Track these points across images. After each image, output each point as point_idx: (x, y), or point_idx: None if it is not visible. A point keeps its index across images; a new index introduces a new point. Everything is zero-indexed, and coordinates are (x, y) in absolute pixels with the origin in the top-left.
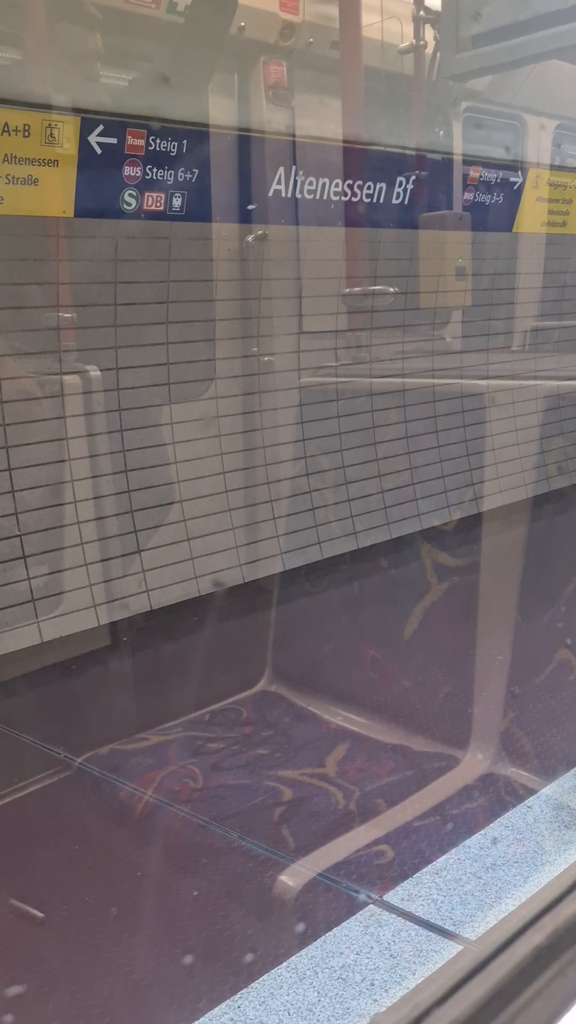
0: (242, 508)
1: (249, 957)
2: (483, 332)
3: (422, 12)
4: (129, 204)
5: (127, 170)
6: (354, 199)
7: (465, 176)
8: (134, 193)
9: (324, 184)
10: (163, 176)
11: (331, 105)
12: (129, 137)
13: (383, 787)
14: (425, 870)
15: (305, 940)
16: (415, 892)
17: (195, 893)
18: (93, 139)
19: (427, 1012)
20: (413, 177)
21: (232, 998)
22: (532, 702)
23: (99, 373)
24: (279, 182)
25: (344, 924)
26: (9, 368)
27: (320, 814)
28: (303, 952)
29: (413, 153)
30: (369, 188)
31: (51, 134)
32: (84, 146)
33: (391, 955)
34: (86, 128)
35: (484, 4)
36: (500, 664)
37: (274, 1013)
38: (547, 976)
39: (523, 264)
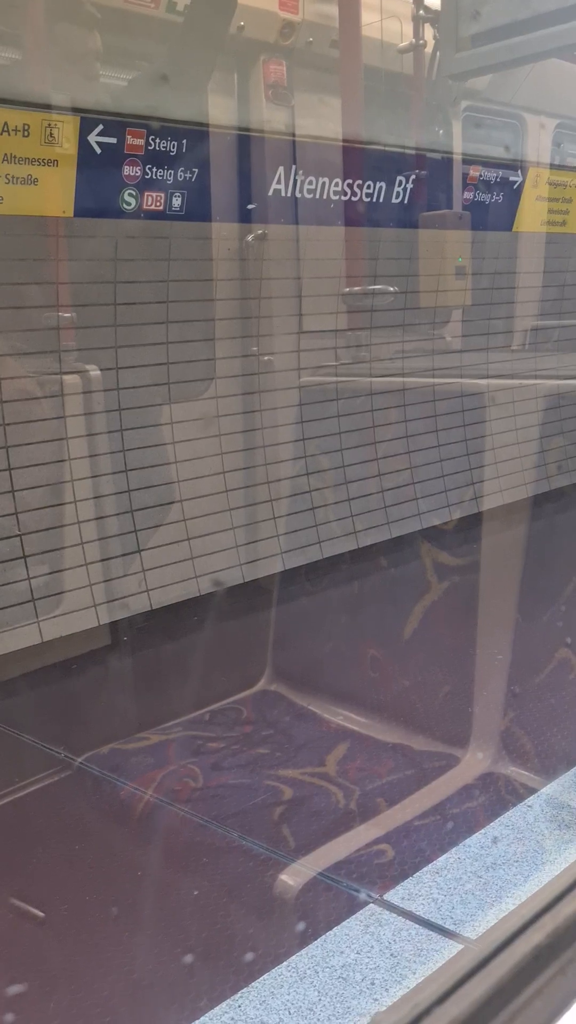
0: (242, 507)
1: (250, 956)
2: (483, 331)
3: (422, 11)
4: (129, 204)
5: (127, 170)
6: (354, 198)
7: (465, 175)
8: (134, 193)
9: (324, 183)
10: (163, 176)
11: (331, 104)
12: (129, 137)
13: (383, 786)
14: (425, 869)
15: (306, 939)
16: (415, 891)
17: (195, 892)
18: (93, 139)
19: (427, 1011)
20: (413, 176)
21: (233, 997)
22: (532, 701)
23: (99, 372)
24: (279, 181)
25: (344, 923)
26: (9, 368)
27: (320, 813)
28: (304, 951)
29: (413, 152)
30: (369, 187)
31: (51, 134)
32: (84, 146)
33: (392, 954)
34: (85, 128)
35: (483, 3)
36: (500, 663)
37: (275, 1012)
38: (547, 975)
39: (523, 263)
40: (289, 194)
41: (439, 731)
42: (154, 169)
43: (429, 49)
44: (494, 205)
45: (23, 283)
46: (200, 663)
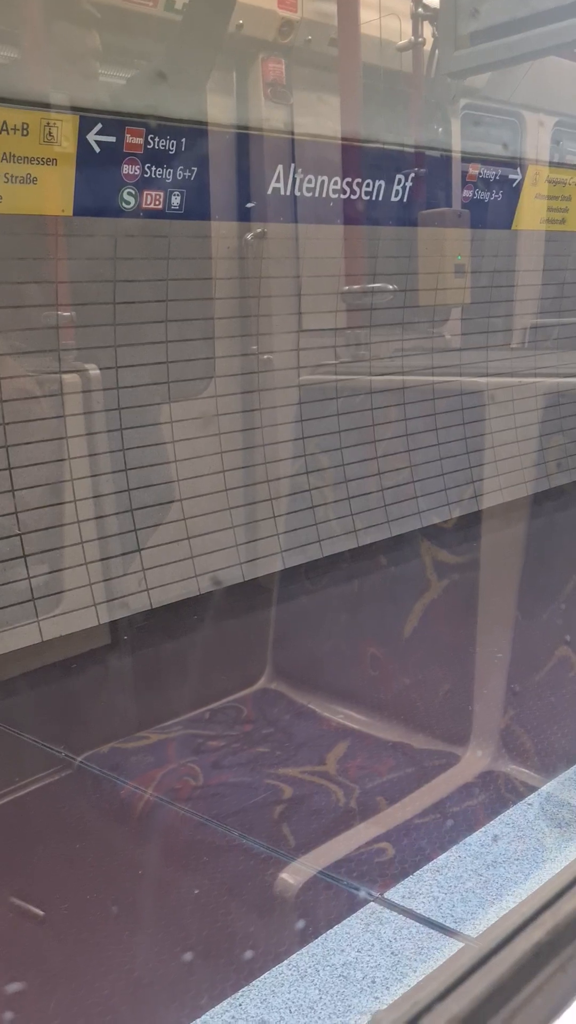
0: (242, 506)
1: (250, 955)
2: (482, 329)
3: (420, 9)
4: (128, 202)
5: (126, 168)
6: (353, 197)
7: (464, 173)
8: (133, 191)
9: (323, 182)
10: (162, 174)
11: (330, 102)
12: (128, 135)
13: (383, 785)
14: (426, 868)
15: (306, 938)
16: (416, 890)
17: (196, 891)
18: (92, 138)
19: (427, 1008)
20: (412, 174)
21: (233, 995)
22: (532, 699)
23: (98, 372)
24: (278, 180)
25: (345, 922)
26: (8, 367)
27: (321, 812)
28: (304, 950)
29: (412, 150)
30: (368, 186)
31: (50, 133)
32: (83, 145)
33: (392, 952)
34: (85, 127)
35: (482, 1)
36: (500, 661)
37: (275, 1011)
38: (547, 972)
39: (522, 261)
40: (288, 192)
41: (439, 729)
42: (153, 168)
43: (428, 47)
44: (493, 203)
45: (22, 282)
46: (200, 662)
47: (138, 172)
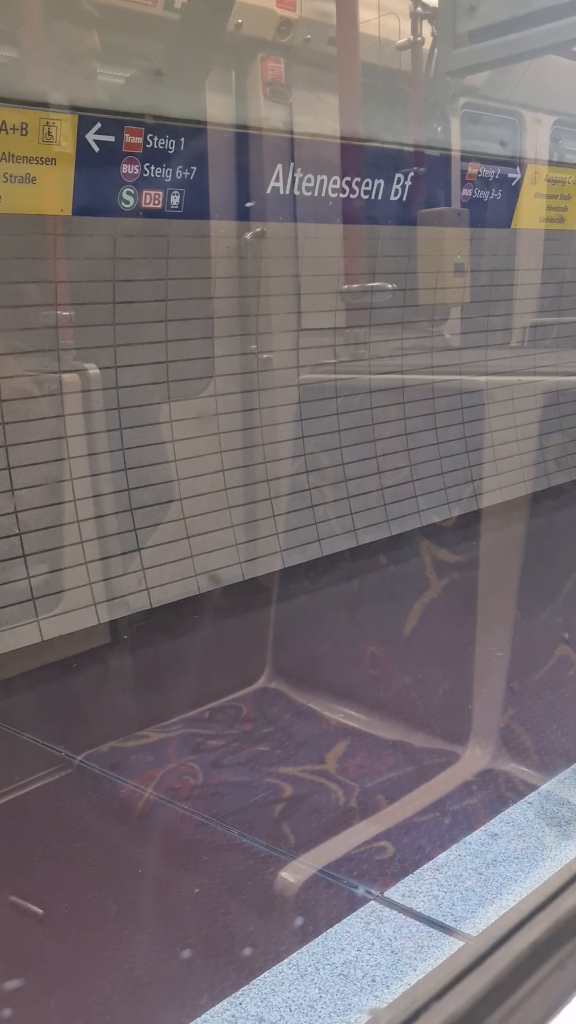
0: (241, 506)
1: (250, 954)
2: (482, 328)
3: (419, 8)
4: (127, 202)
5: (125, 168)
6: (352, 196)
7: (463, 172)
8: (132, 191)
9: (322, 181)
10: (161, 174)
11: (329, 102)
12: (127, 135)
13: (383, 783)
14: (426, 866)
15: (306, 936)
16: (416, 888)
17: (196, 890)
18: (91, 137)
19: (425, 1006)
20: (411, 173)
21: (234, 995)
22: (532, 698)
23: (98, 371)
24: (277, 179)
25: (345, 920)
26: (8, 367)
27: (321, 811)
28: (304, 949)
29: (411, 149)
30: (367, 185)
31: (49, 132)
32: (82, 144)
33: (392, 951)
34: (84, 126)
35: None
36: (500, 660)
37: (276, 1009)
38: (545, 970)
39: (522, 260)
40: (287, 192)
41: (439, 728)
42: (152, 167)
43: (427, 46)
44: (492, 202)
45: (22, 282)
46: (200, 661)
47: (137, 171)
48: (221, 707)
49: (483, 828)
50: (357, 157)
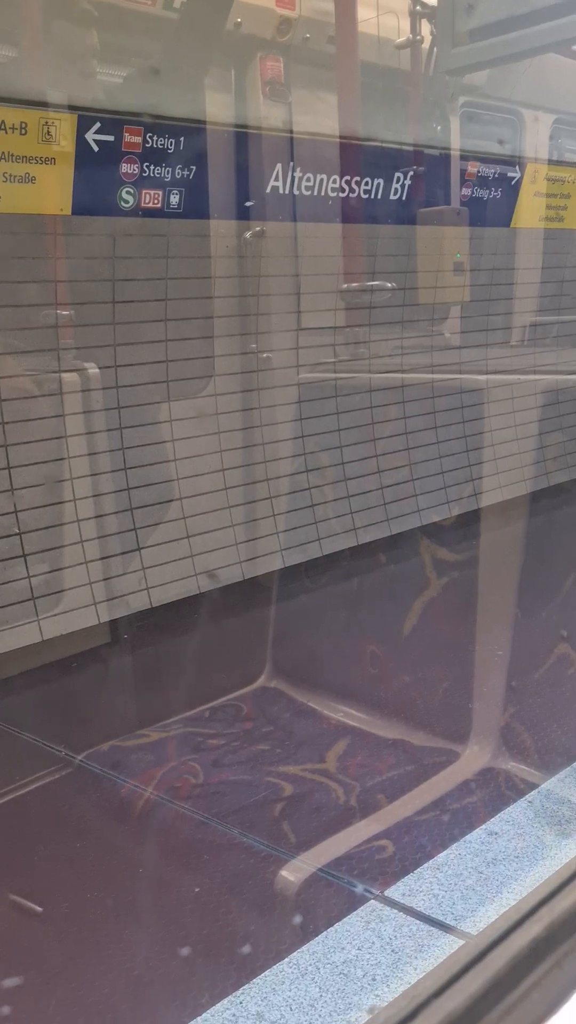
0: (241, 505)
1: (251, 953)
2: (481, 327)
3: (418, 7)
4: (127, 201)
5: (124, 167)
6: (352, 195)
7: (463, 171)
8: (131, 190)
9: (322, 180)
10: (160, 173)
11: (328, 101)
12: (126, 134)
13: (383, 782)
14: (426, 865)
15: (306, 935)
16: (416, 887)
17: (196, 889)
18: (90, 136)
19: (425, 1004)
20: (411, 173)
21: (234, 994)
22: (532, 696)
23: (97, 370)
24: (276, 178)
25: (345, 919)
26: (7, 366)
27: (321, 810)
28: (305, 947)
29: (410, 149)
30: (367, 184)
31: (48, 132)
32: (81, 144)
33: (393, 950)
34: (83, 125)
35: None
36: (500, 659)
37: (276, 1008)
38: (544, 968)
39: (521, 259)
40: (287, 191)
41: (439, 727)
42: (152, 167)
43: (426, 45)
44: (492, 201)
45: (21, 281)
46: (200, 660)
47: (137, 171)
48: (221, 706)
49: (483, 827)
50: (356, 156)
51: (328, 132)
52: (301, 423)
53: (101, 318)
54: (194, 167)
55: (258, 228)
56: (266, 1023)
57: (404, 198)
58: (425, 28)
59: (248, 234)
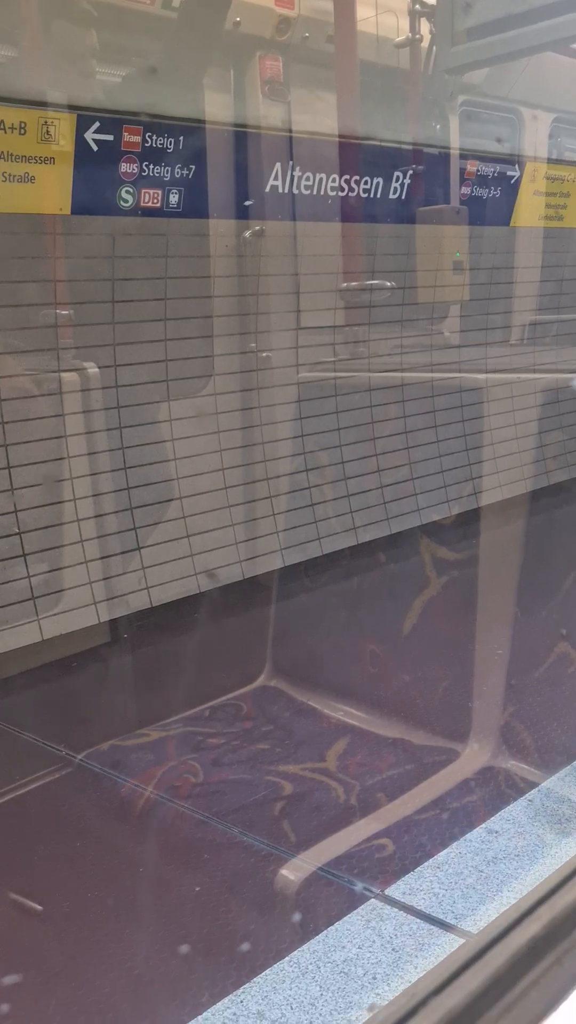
0: (241, 504)
1: (251, 952)
2: (481, 326)
3: (417, 6)
4: (126, 201)
5: (124, 167)
6: (351, 194)
7: (462, 170)
8: (131, 190)
9: (321, 179)
10: (160, 172)
11: (327, 100)
12: (125, 134)
13: (384, 781)
14: (426, 864)
15: (307, 934)
16: (416, 886)
17: (196, 889)
18: (89, 136)
19: (424, 1001)
20: (410, 172)
21: (235, 993)
22: (532, 695)
23: (97, 370)
24: (276, 178)
25: (346, 918)
26: (7, 366)
27: (321, 809)
28: (305, 946)
29: (410, 147)
30: (366, 183)
31: (47, 131)
32: (80, 143)
33: (393, 949)
34: (82, 125)
35: None
36: (500, 658)
37: (277, 1007)
38: (543, 965)
39: (521, 258)
40: (286, 190)
41: (439, 726)
42: (151, 166)
43: (425, 44)
44: (491, 200)
45: (21, 281)
46: (200, 660)
47: (136, 170)
48: (221, 705)
49: (483, 826)
50: (356, 155)
51: (327, 131)
52: (301, 422)
53: (100, 317)
54: (193, 166)
55: (257, 227)
56: (267, 1022)
57: (403, 197)
58: (424, 27)
59: (247, 233)
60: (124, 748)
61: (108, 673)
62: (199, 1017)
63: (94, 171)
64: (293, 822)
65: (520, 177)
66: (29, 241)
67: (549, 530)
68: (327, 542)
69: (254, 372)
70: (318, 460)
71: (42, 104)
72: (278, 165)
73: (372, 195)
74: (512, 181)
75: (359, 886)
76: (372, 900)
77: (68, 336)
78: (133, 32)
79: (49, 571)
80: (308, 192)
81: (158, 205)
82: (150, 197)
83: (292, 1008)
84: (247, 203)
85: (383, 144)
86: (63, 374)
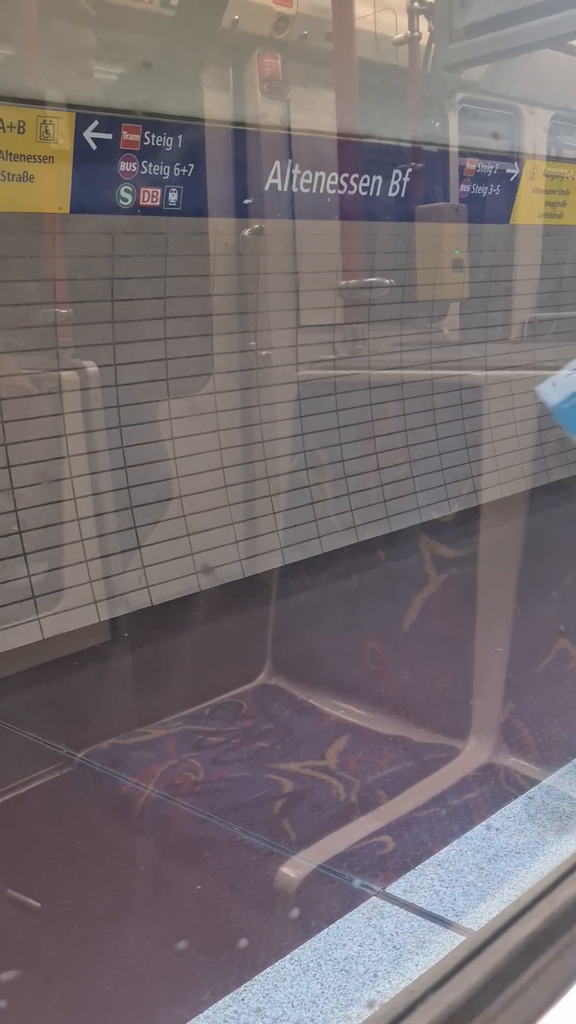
0: (241, 503)
1: (252, 950)
2: (481, 324)
3: (416, 3)
4: (125, 200)
5: (123, 165)
6: (350, 192)
7: (461, 168)
8: (130, 188)
9: (320, 178)
10: (159, 171)
11: (326, 98)
12: (124, 132)
13: (384, 779)
14: (427, 861)
15: (308, 932)
16: (417, 883)
17: (197, 887)
18: (88, 135)
19: (423, 998)
20: (409, 169)
21: (236, 991)
22: (532, 692)
23: (96, 369)
24: (275, 176)
25: (347, 916)
26: (7, 365)
27: (321, 807)
28: (306, 944)
29: (409, 145)
30: (365, 181)
31: (46, 130)
32: (79, 142)
33: (394, 946)
34: (81, 124)
35: None
36: (500, 655)
37: (278, 1005)
38: (543, 960)
39: (520, 256)
40: (285, 189)
41: (439, 723)
42: (150, 165)
43: (424, 41)
44: (491, 198)
45: (20, 280)
46: (200, 658)
47: (135, 169)
48: (221, 703)
49: (484, 823)
50: (355, 153)
51: (326, 129)
52: (300, 420)
53: (100, 316)
54: (192, 165)
55: (257, 225)
56: (268, 1020)
57: (403, 195)
58: (423, 24)
59: (247, 231)
60: (124, 746)
61: (108, 672)
62: (201, 1015)
63: (93, 170)
64: (294, 820)
65: (519, 174)
66: (28, 240)
67: (549, 528)
68: (327, 540)
69: (254, 370)
70: (318, 458)
71: (41, 103)
72: (277, 163)
73: (371, 193)
74: (511, 179)
75: (360, 884)
76: (373, 897)
77: (67, 335)
78: (132, 30)
79: (49, 570)
80: (307, 190)
81: (157, 204)
82: (149, 196)
83: (293, 1006)
84: (246, 201)
85: (382, 142)
86: (63, 373)
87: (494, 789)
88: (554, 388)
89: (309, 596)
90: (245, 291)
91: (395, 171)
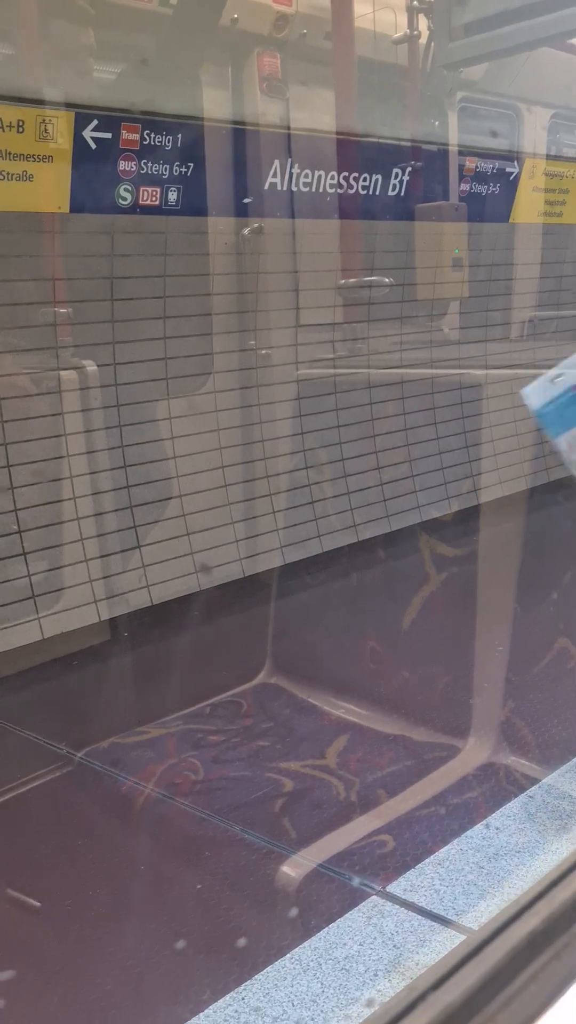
0: (241, 502)
1: (253, 949)
2: (481, 323)
3: (415, 1)
4: (124, 199)
5: (122, 165)
6: (350, 191)
7: (461, 167)
8: (129, 188)
9: (320, 176)
10: (158, 170)
11: (326, 97)
12: (124, 132)
13: (384, 778)
14: (427, 860)
15: (308, 931)
16: (417, 882)
17: (198, 886)
18: (87, 134)
19: (422, 996)
20: (409, 168)
21: (236, 990)
22: (532, 691)
23: (96, 368)
24: (274, 175)
25: (347, 915)
26: (6, 364)
27: (321, 805)
28: (307, 943)
29: (408, 144)
30: (365, 180)
31: (45, 129)
32: (79, 141)
33: (394, 945)
34: (80, 123)
35: None
36: (499, 654)
37: (278, 1004)
38: (542, 960)
39: (520, 255)
40: (285, 188)
41: (439, 722)
42: (149, 164)
43: (423, 40)
44: (490, 196)
45: (19, 279)
46: (200, 657)
47: (134, 168)
48: (221, 703)
49: (484, 822)
50: (354, 152)
51: (326, 128)
52: (300, 420)
53: (99, 316)
54: (192, 164)
55: (256, 224)
56: (268, 1019)
57: (402, 194)
58: (422, 23)
59: (246, 231)
60: (124, 746)
61: (108, 671)
62: (201, 1014)
63: (92, 169)
64: (294, 819)
65: (519, 173)
66: (28, 239)
67: (549, 527)
68: (327, 539)
69: (253, 370)
70: (318, 457)
71: (40, 102)
72: (277, 162)
73: (371, 192)
74: (511, 177)
75: (360, 883)
76: (373, 897)
77: (67, 334)
78: (131, 29)
79: (49, 569)
80: (307, 189)
81: (157, 203)
82: (149, 195)
83: (293, 1005)
84: (246, 200)
85: (382, 141)
86: (62, 372)
87: (494, 788)
88: (538, 391)
89: (309, 595)
90: (245, 290)
91: (395, 170)
